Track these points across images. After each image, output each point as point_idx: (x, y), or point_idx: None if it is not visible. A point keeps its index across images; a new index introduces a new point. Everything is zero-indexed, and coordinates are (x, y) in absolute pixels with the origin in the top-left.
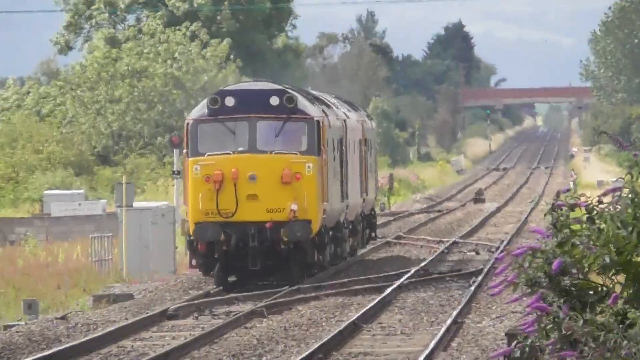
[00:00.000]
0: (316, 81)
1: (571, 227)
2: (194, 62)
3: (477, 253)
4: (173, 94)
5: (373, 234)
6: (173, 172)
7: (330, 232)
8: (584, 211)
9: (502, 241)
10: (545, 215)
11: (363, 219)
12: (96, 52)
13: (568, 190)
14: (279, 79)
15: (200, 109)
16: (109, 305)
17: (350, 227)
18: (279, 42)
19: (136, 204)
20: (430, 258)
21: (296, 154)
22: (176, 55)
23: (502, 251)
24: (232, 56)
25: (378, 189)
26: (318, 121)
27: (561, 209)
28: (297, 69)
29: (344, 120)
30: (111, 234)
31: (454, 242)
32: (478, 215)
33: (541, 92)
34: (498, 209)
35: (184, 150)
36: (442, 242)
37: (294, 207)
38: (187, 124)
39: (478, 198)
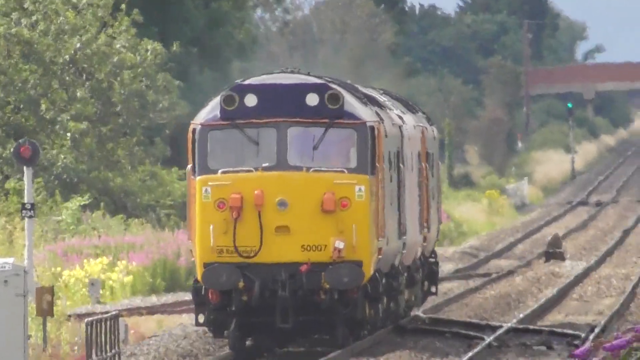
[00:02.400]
0: (272, 48)
1: None
2: (57, 15)
3: (550, 348)
4: (23, 71)
5: (433, 288)
6: (23, 206)
7: (384, 280)
8: None
9: (593, 328)
10: None
11: (423, 265)
12: None
13: None
14: (206, 42)
15: (210, 111)
16: None
17: (406, 274)
18: None
19: None
20: (466, 358)
21: (343, 172)
22: (27, 3)
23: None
24: (123, 5)
25: (440, 225)
26: (372, 127)
27: None
28: (238, 28)
29: (400, 127)
30: None
31: (510, 330)
32: (552, 283)
33: None
34: (586, 273)
35: (189, 167)
36: (490, 328)
37: (340, 244)
38: (193, 130)
39: (553, 253)
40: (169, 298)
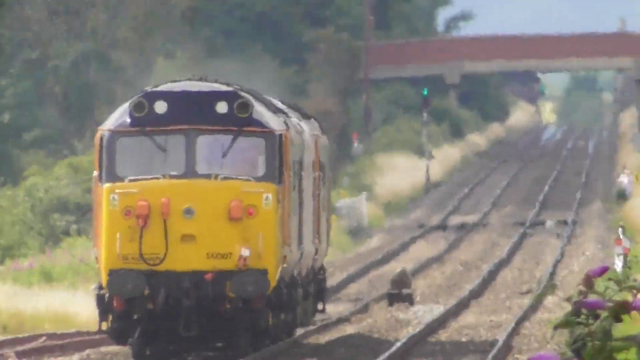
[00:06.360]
0: (25, 11)
1: (615, 355)
2: None
3: None
4: None
5: (321, 306)
6: None
7: (285, 290)
8: None
9: None
10: (555, 327)
11: (313, 279)
12: None
13: (604, 271)
14: None
15: (119, 117)
16: None
17: (301, 287)
18: None
19: None
20: None
21: (250, 181)
22: None
23: None
24: None
25: (329, 237)
26: (280, 136)
27: (593, 314)
28: None
29: (301, 134)
30: None
31: None
32: (396, 334)
33: (554, 45)
34: (443, 320)
35: (96, 174)
36: None
37: (246, 252)
38: (101, 136)
39: (398, 294)
40: None
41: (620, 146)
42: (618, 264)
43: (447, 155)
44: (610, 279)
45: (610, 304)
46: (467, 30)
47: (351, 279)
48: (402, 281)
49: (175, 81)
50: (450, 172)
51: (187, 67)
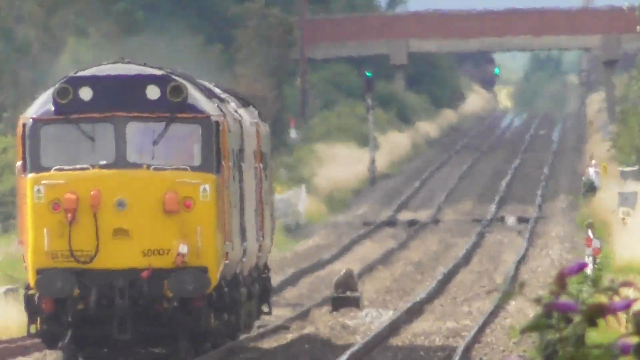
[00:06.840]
0: None
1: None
2: None
3: None
4: None
5: (266, 307)
6: None
7: (227, 289)
8: (623, 324)
9: None
10: (522, 331)
11: (257, 278)
12: None
13: (582, 269)
14: None
15: (42, 104)
16: None
17: (245, 287)
18: None
19: None
20: None
21: (186, 170)
22: None
23: None
24: None
25: (274, 233)
26: (217, 122)
27: (565, 317)
28: None
29: (240, 122)
30: None
31: None
32: (342, 343)
33: (512, 22)
34: (394, 327)
35: (18, 164)
36: None
37: (183, 248)
38: (24, 125)
39: (343, 298)
40: None
41: (587, 134)
42: (588, 262)
43: (394, 145)
44: (582, 281)
45: (583, 307)
46: (413, 6)
47: (289, 281)
48: (347, 284)
49: (102, 64)
50: (398, 162)
51: (100, 46)
